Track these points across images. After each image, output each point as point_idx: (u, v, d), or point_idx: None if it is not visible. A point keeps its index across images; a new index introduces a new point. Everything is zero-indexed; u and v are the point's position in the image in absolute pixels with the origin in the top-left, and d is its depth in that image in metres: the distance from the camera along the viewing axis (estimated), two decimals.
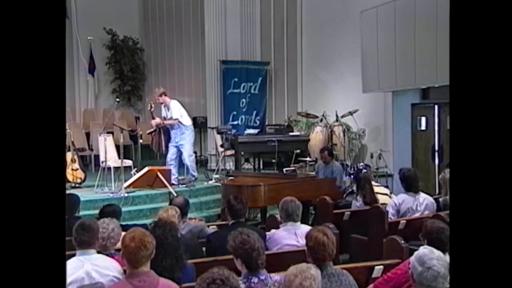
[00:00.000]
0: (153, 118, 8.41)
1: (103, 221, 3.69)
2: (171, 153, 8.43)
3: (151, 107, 8.35)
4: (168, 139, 8.46)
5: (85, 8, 12.65)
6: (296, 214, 4.42)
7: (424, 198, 5.53)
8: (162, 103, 8.41)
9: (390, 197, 6.42)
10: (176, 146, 8.43)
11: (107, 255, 3.46)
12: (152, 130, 8.55)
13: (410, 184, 5.56)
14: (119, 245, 3.54)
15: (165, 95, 8.38)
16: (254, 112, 11.70)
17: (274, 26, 11.82)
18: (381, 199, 6.21)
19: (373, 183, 6.46)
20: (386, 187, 7.06)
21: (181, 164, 8.88)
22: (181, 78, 13.46)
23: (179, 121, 8.28)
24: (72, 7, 12.45)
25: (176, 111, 8.31)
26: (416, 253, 2.79)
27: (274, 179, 7.51)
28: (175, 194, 6.99)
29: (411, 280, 2.78)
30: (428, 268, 2.64)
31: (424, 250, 2.80)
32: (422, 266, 2.66)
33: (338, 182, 7.80)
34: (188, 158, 8.46)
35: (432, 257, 2.68)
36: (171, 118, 8.32)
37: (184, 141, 8.37)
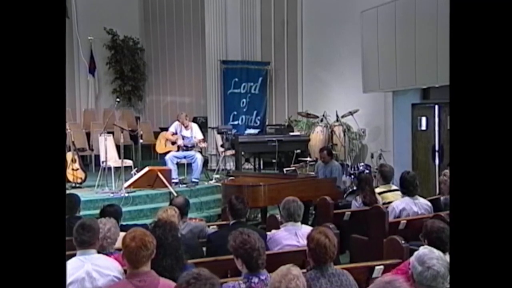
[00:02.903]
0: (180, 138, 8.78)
1: (100, 221, 3.68)
2: (171, 164, 8.56)
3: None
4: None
5: (85, 8, 12.66)
6: (298, 214, 4.41)
7: (422, 204, 5.51)
8: (186, 126, 8.79)
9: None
10: (182, 157, 8.69)
11: (106, 254, 3.46)
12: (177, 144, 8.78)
13: (405, 187, 5.56)
14: (118, 244, 3.55)
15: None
16: (255, 112, 11.70)
17: (275, 26, 11.82)
18: (392, 196, 6.19)
19: (380, 188, 6.40)
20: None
21: (181, 164, 8.92)
22: (181, 78, 13.47)
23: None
24: (72, 7, 12.46)
25: (200, 132, 8.94)
26: (416, 253, 2.79)
27: (274, 179, 7.51)
28: (175, 194, 6.99)
29: (411, 280, 2.78)
30: (428, 268, 2.64)
31: (424, 250, 2.80)
32: (422, 266, 2.66)
33: (337, 182, 7.80)
34: (200, 165, 8.63)
35: (432, 257, 2.69)
36: (191, 138, 8.74)
37: (197, 154, 8.67)
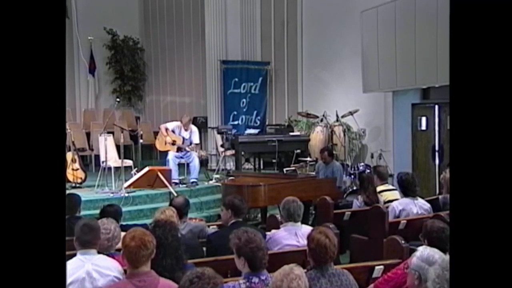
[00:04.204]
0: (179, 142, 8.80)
1: (102, 222, 3.69)
2: (173, 164, 8.58)
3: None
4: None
5: (85, 8, 12.65)
6: (298, 214, 4.41)
7: (422, 204, 5.52)
8: (186, 129, 8.80)
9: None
10: (181, 157, 8.72)
11: (107, 255, 3.47)
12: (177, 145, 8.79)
13: (407, 188, 5.56)
14: (119, 245, 3.55)
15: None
16: (255, 112, 11.70)
17: (274, 26, 11.82)
18: (391, 195, 6.19)
19: (378, 188, 6.40)
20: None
21: (181, 164, 8.92)
22: (181, 78, 13.47)
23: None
24: (72, 7, 12.45)
25: (197, 137, 8.93)
26: (418, 254, 2.78)
27: (274, 179, 7.52)
28: (175, 194, 6.99)
29: (414, 281, 2.76)
30: (439, 267, 2.64)
31: (428, 250, 2.80)
32: (433, 266, 2.66)
33: (338, 182, 7.80)
34: (198, 165, 8.64)
35: (438, 257, 2.70)
36: (189, 140, 8.75)
37: (193, 153, 8.67)
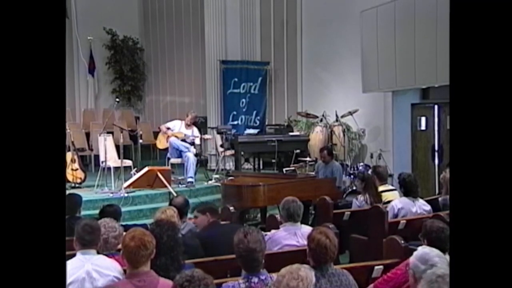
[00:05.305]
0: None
1: (105, 221, 3.71)
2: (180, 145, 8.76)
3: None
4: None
5: (85, 8, 12.65)
6: (297, 214, 4.41)
7: (422, 205, 5.52)
8: (188, 125, 8.98)
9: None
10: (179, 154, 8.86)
11: (106, 255, 3.47)
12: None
13: (409, 189, 5.57)
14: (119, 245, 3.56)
15: None
16: (254, 112, 11.70)
17: (274, 26, 11.82)
18: (391, 195, 6.19)
19: (382, 187, 6.40)
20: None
21: (181, 164, 8.93)
22: (181, 78, 13.46)
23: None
24: (72, 7, 12.45)
25: (199, 137, 9.18)
26: (415, 253, 2.80)
27: (274, 179, 7.52)
28: (175, 194, 6.99)
29: (411, 280, 2.78)
30: (431, 266, 2.65)
31: (424, 249, 2.81)
32: (426, 264, 2.67)
33: (337, 182, 7.80)
34: (194, 163, 8.68)
35: (433, 256, 2.70)
36: (191, 137, 8.95)
37: (188, 153, 8.75)
